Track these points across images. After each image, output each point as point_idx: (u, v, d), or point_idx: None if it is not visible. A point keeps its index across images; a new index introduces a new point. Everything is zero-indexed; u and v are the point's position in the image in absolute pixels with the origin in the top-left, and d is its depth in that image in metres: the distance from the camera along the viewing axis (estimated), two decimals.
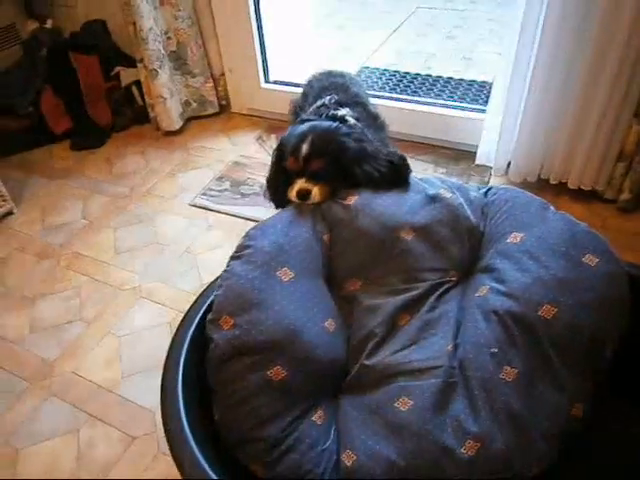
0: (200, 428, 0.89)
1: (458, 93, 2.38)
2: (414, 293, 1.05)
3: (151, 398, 1.30)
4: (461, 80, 2.51)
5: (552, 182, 1.78)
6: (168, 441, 0.86)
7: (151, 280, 1.65)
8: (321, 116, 1.28)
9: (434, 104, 2.13)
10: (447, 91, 2.41)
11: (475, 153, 1.90)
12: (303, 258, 1.07)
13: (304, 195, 1.14)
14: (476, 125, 1.93)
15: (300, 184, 1.15)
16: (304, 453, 0.90)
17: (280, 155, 1.23)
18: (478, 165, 1.91)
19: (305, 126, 1.21)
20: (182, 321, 1.05)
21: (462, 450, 0.87)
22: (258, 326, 0.97)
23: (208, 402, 1.01)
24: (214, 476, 0.79)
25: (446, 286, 1.07)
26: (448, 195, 1.15)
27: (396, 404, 0.92)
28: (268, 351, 0.95)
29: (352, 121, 1.27)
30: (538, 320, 0.92)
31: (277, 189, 1.23)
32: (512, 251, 1.03)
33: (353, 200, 1.13)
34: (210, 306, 1.04)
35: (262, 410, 0.92)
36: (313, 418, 0.96)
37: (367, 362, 1.00)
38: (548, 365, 0.91)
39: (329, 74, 1.57)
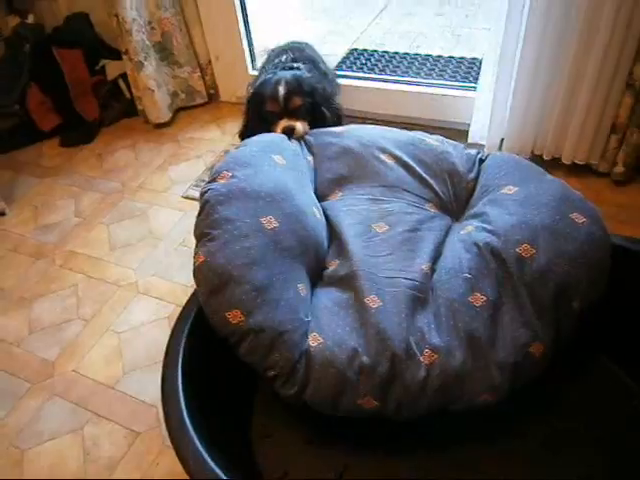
0: (201, 421, 0.89)
1: (448, 71, 2.35)
2: (391, 205, 1.11)
3: (153, 393, 1.30)
4: (451, 58, 2.48)
5: (546, 157, 1.77)
6: (170, 437, 0.87)
7: (148, 275, 1.64)
8: (277, 68, 1.48)
9: (424, 84, 2.11)
10: (437, 69, 2.38)
11: (467, 131, 1.89)
12: (293, 158, 1.17)
13: (289, 132, 1.26)
14: (467, 103, 1.91)
15: (284, 123, 1.29)
16: (285, 313, 0.93)
17: (256, 104, 1.36)
18: (471, 143, 1.89)
19: (274, 76, 1.36)
20: (180, 315, 1.05)
21: (421, 358, 0.91)
22: (255, 179, 1.03)
23: (209, 393, 1.01)
24: (218, 470, 0.79)
25: (428, 214, 1.12)
26: (435, 143, 1.22)
27: (366, 300, 0.95)
28: (263, 200, 1.00)
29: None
30: (515, 257, 0.96)
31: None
32: (503, 200, 1.07)
33: (342, 128, 1.27)
34: None
35: (253, 251, 0.95)
36: (298, 286, 0.98)
37: (344, 260, 1.03)
38: (517, 299, 0.95)
39: (291, 42, 1.74)
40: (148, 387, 1.33)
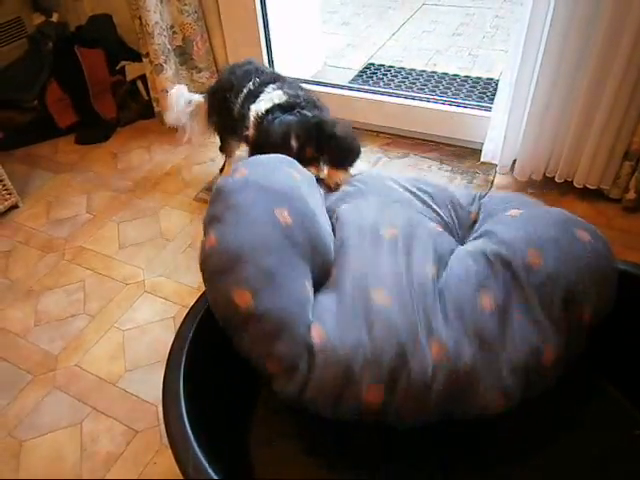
0: (201, 424, 0.89)
1: (464, 90, 2.37)
2: (401, 211, 1.13)
3: (154, 392, 1.31)
4: (467, 77, 2.50)
5: (558, 180, 1.77)
6: (169, 437, 0.86)
7: (155, 274, 1.65)
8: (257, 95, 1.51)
9: (440, 101, 2.12)
10: (453, 88, 2.40)
11: (480, 151, 1.90)
12: (307, 177, 1.16)
13: None
14: (482, 123, 1.92)
15: None
16: (292, 302, 0.92)
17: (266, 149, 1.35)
18: (483, 163, 1.91)
19: (279, 125, 1.37)
20: (186, 316, 1.05)
21: (428, 350, 0.89)
22: (272, 177, 1.04)
23: (210, 397, 1.01)
24: (214, 475, 0.79)
25: (434, 229, 1.13)
26: (436, 181, 1.33)
27: (372, 295, 0.94)
28: (278, 195, 1.00)
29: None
30: (523, 263, 0.96)
31: None
32: (508, 220, 1.08)
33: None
34: None
35: (264, 238, 0.94)
36: (305, 282, 0.97)
37: (348, 266, 1.03)
38: (526, 301, 0.94)
39: (236, 66, 1.73)
40: (149, 386, 1.33)
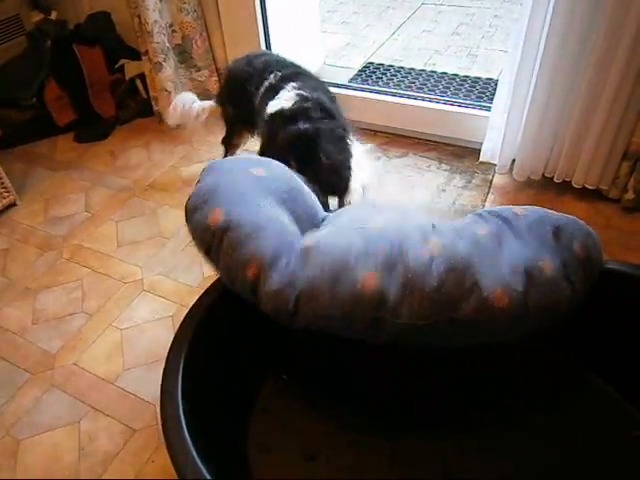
0: (199, 426, 0.89)
1: (463, 90, 2.37)
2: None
3: (152, 391, 1.30)
4: (466, 77, 2.50)
5: (556, 180, 1.77)
6: (165, 438, 0.86)
7: (153, 273, 1.65)
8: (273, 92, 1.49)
9: (439, 101, 2.12)
10: (452, 88, 2.40)
11: (479, 150, 1.90)
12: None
13: None
14: (481, 122, 1.92)
15: None
16: (266, 217, 0.97)
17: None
18: (482, 162, 1.91)
19: (281, 145, 1.37)
20: (185, 317, 1.04)
21: (423, 249, 0.91)
22: (253, 155, 1.26)
23: (208, 399, 1.01)
24: (208, 476, 0.78)
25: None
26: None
27: (367, 224, 1.00)
28: (256, 161, 1.14)
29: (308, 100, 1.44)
30: (510, 213, 1.01)
31: None
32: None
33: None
34: (216, 302, 1.05)
35: (238, 182, 1.05)
36: (281, 213, 1.02)
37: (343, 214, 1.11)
38: (515, 230, 0.97)
39: (252, 56, 1.73)
40: (147, 385, 1.33)
